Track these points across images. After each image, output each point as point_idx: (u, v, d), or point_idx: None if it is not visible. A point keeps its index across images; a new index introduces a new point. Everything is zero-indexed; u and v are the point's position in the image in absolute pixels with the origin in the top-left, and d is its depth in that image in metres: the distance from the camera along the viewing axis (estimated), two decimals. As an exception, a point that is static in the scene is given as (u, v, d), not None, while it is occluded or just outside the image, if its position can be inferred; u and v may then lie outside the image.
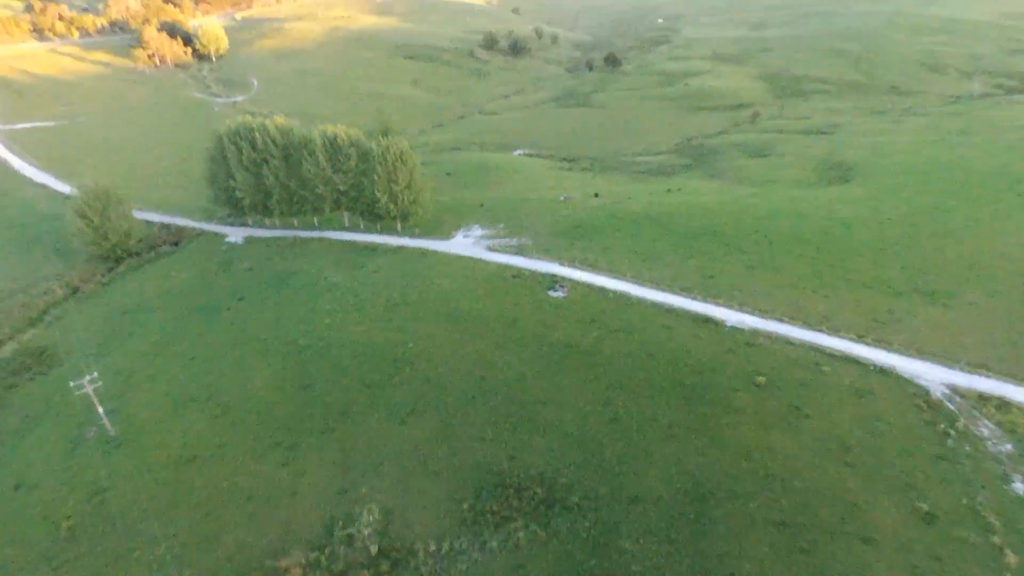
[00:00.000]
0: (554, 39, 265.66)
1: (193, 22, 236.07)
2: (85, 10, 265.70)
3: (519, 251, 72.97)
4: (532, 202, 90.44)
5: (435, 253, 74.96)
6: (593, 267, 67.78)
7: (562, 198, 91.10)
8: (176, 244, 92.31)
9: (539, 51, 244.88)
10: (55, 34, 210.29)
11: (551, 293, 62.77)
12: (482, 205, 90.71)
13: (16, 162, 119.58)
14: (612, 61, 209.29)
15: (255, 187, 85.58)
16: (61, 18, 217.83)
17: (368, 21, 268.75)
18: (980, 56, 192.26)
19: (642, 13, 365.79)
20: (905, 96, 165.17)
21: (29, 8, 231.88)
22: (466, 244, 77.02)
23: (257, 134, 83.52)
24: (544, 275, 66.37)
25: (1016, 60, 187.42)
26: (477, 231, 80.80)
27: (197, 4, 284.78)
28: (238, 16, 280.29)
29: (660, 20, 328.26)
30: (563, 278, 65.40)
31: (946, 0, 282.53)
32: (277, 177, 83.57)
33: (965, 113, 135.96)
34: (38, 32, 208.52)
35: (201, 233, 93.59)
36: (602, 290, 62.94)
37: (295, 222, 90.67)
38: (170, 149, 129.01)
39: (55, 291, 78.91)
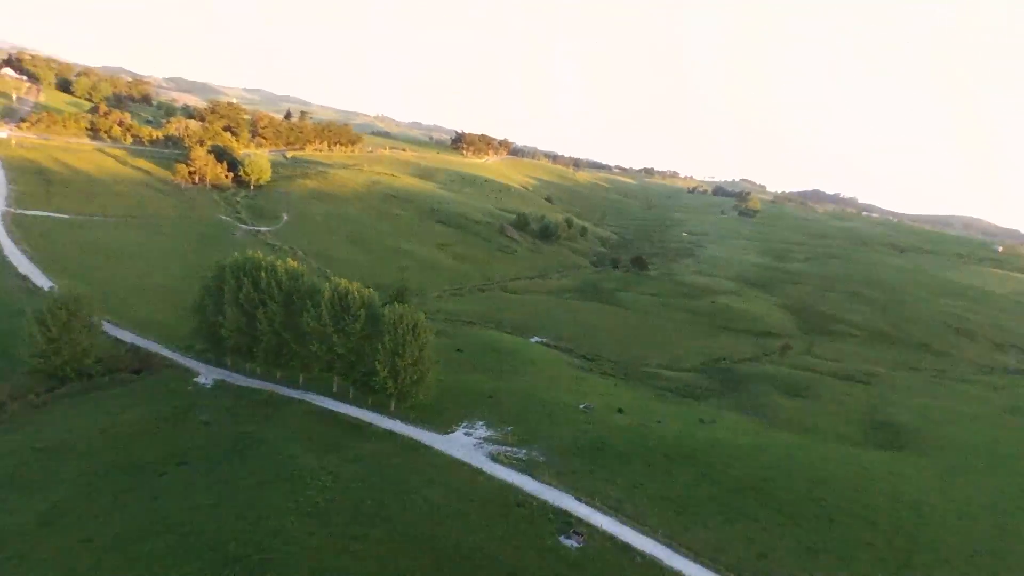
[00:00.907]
0: (583, 231, 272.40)
1: (245, 152, 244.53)
2: (149, 122, 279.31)
3: (528, 468, 60.36)
4: (548, 404, 79.49)
5: (428, 450, 62.48)
6: (617, 510, 54.75)
7: (582, 406, 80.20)
8: (138, 372, 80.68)
9: (567, 239, 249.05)
10: (110, 136, 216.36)
11: (563, 540, 49.36)
12: (491, 396, 79.78)
13: (10, 247, 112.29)
14: (639, 263, 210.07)
15: (244, 329, 75.76)
16: (121, 124, 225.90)
17: (408, 181, 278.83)
18: (1008, 328, 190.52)
19: (667, 224, 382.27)
20: (937, 356, 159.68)
21: (94, 110, 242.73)
22: (466, 445, 64.72)
23: (263, 273, 75.55)
24: (556, 511, 53.26)
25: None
26: (481, 430, 68.88)
27: (254, 138, 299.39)
28: (289, 155, 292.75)
29: (685, 234, 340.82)
30: (579, 520, 52.27)
31: (960, 269, 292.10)
32: (272, 323, 74.01)
33: (1008, 388, 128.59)
34: (94, 131, 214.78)
35: (170, 365, 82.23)
36: (627, 548, 49.52)
37: (278, 374, 79.57)
38: (175, 266, 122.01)
39: (-28, 405, 66.23)
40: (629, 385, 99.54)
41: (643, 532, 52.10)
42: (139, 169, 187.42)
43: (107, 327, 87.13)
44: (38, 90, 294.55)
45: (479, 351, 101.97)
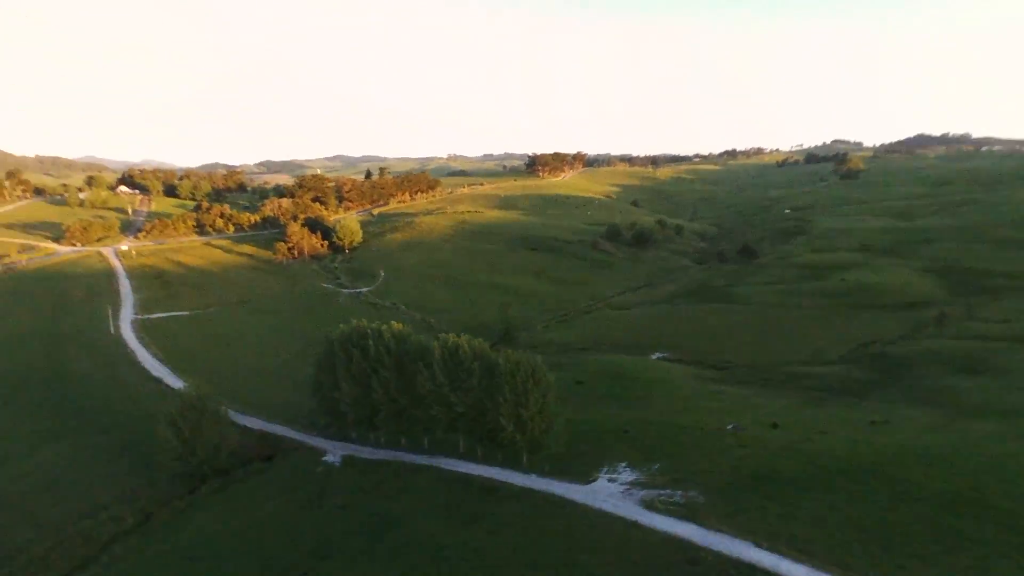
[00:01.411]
0: (678, 230, 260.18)
1: (335, 218, 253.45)
2: (246, 208, 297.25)
3: (689, 514, 53.25)
4: (689, 431, 71.82)
5: (573, 507, 56.83)
6: (808, 553, 46.46)
7: (729, 427, 71.85)
8: (270, 459, 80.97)
9: (664, 242, 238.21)
10: (214, 229, 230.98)
11: (756, 605, 41.98)
12: (626, 431, 73.21)
13: (142, 353, 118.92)
14: (747, 252, 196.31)
15: (361, 400, 74.05)
16: (222, 215, 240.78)
17: (492, 215, 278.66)
18: None
19: (765, 204, 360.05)
20: None
21: (198, 207, 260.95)
22: (613, 494, 58.53)
23: (371, 341, 73.69)
24: (736, 564, 45.90)
25: None
26: (625, 474, 62.48)
27: (341, 203, 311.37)
28: (375, 212, 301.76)
29: (787, 211, 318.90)
30: (767, 573, 44.60)
31: None
32: (387, 391, 71.72)
33: None
34: (200, 227, 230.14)
35: (298, 446, 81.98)
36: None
37: (403, 441, 77.06)
38: (289, 343, 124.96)
39: (125, 518, 67.85)
40: (773, 392, 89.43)
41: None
42: (244, 254, 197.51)
43: (235, 416, 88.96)
44: (149, 200, 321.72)
45: (600, 380, 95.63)
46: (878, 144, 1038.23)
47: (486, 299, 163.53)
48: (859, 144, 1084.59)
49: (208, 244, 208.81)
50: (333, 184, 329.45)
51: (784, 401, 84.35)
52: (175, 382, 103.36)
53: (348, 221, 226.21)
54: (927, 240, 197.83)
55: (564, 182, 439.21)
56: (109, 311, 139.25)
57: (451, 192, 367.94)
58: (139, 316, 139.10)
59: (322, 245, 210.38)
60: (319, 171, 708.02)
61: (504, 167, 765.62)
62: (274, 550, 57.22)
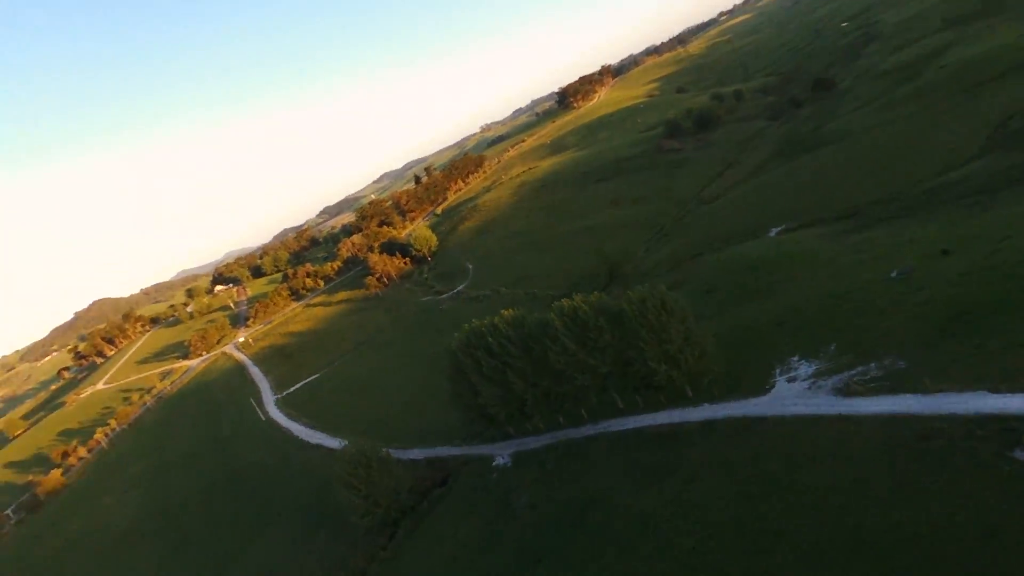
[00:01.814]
0: (738, 97, 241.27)
1: (406, 233, 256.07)
2: (326, 258, 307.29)
3: (896, 384, 46.96)
4: (851, 295, 64.37)
5: (762, 424, 51.95)
6: (1059, 379, 39.33)
7: (894, 274, 63.67)
8: (444, 482, 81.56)
9: (728, 116, 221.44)
10: (306, 290, 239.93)
11: (1020, 455, 35.65)
12: (780, 324, 66.90)
13: (295, 428, 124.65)
14: (823, 85, 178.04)
15: (505, 397, 72.29)
16: (308, 274, 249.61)
17: (547, 164, 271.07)
18: None
19: (818, 29, 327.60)
20: None
21: (285, 276, 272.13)
22: (800, 393, 53.05)
23: (490, 338, 71.46)
24: (977, 420, 39.53)
25: None
26: (803, 367, 56.61)
27: (405, 216, 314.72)
28: (439, 211, 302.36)
29: (843, 24, 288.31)
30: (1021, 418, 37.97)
31: None
32: (525, 380, 69.45)
33: None
34: (294, 293, 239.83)
35: (466, 461, 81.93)
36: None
37: (560, 419, 74.81)
38: (416, 365, 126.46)
39: (344, 584, 70.49)
40: (921, 219, 79.12)
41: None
42: (342, 301, 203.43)
43: (398, 454, 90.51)
44: (244, 288, 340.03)
45: (729, 280, 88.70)
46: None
47: (578, 247, 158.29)
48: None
49: (308, 306, 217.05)
50: (390, 202, 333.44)
51: (940, 222, 74.25)
52: (333, 443, 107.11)
53: (419, 231, 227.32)
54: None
55: (602, 102, 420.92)
56: (252, 401, 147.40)
57: (499, 161, 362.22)
58: (279, 395, 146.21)
59: (405, 263, 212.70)
60: (373, 196, 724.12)
61: (537, 114, 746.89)
62: (495, 567, 56.66)
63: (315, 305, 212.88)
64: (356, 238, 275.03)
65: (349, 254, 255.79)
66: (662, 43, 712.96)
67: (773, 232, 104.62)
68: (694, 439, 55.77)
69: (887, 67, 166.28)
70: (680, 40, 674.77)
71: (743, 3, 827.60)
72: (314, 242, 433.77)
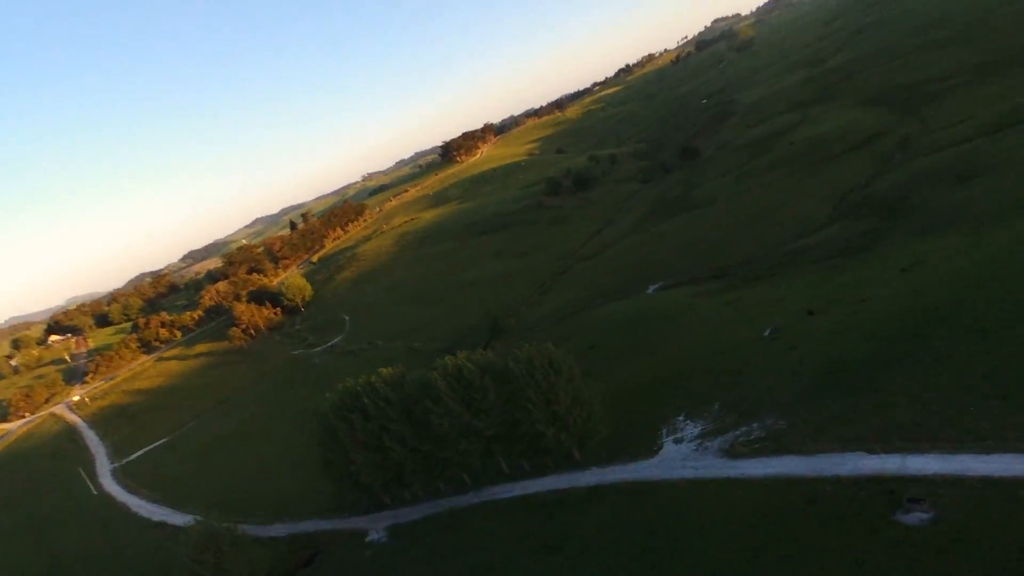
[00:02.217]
0: (612, 160, 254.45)
1: (278, 281, 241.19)
2: (186, 306, 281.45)
3: (779, 445, 47.17)
4: (728, 355, 65.89)
5: (652, 490, 50.21)
6: (928, 439, 40.74)
7: (767, 333, 66.12)
8: (311, 562, 72.71)
9: (604, 176, 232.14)
10: (161, 342, 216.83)
11: (902, 519, 35.94)
12: (665, 381, 67.02)
13: (134, 502, 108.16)
14: (689, 154, 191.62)
15: (381, 464, 66.08)
16: (163, 324, 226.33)
17: (430, 216, 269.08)
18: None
19: (682, 103, 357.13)
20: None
21: (135, 327, 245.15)
22: (688, 456, 52.14)
23: (366, 399, 65.44)
24: (860, 481, 39.84)
25: None
26: (688, 428, 56.14)
27: (278, 264, 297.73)
28: (314, 259, 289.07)
29: (703, 101, 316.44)
30: (903, 479, 38.60)
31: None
32: (404, 444, 63.90)
33: None
34: (145, 346, 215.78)
35: (336, 537, 73.77)
36: (1002, 490, 35.13)
37: (441, 486, 69.43)
38: (282, 427, 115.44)
39: None
40: (786, 278, 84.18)
41: (984, 452, 37.89)
42: (201, 355, 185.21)
43: (256, 530, 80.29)
44: (85, 339, 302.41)
45: (612, 336, 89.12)
46: (755, 8, 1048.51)
47: (460, 300, 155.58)
48: (738, 16, 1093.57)
49: (160, 359, 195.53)
50: (262, 248, 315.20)
51: (802, 283, 79.07)
52: (180, 519, 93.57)
53: (292, 279, 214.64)
54: (847, 76, 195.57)
55: (484, 157, 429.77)
56: (82, 471, 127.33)
57: (380, 210, 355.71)
58: (117, 463, 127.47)
59: (276, 313, 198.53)
60: (244, 241, 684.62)
61: (420, 166, 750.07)
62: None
63: (169, 359, 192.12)
64: (221, 285, 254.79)
65: (212, 303, 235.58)
66: (541, 107, 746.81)
67: (651, 289, 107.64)
68: (584, 506, 52.97)
69: (743, 141, 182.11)
70: (558, 105, 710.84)
71: (614, 75, 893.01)
72: (173, 289, 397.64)
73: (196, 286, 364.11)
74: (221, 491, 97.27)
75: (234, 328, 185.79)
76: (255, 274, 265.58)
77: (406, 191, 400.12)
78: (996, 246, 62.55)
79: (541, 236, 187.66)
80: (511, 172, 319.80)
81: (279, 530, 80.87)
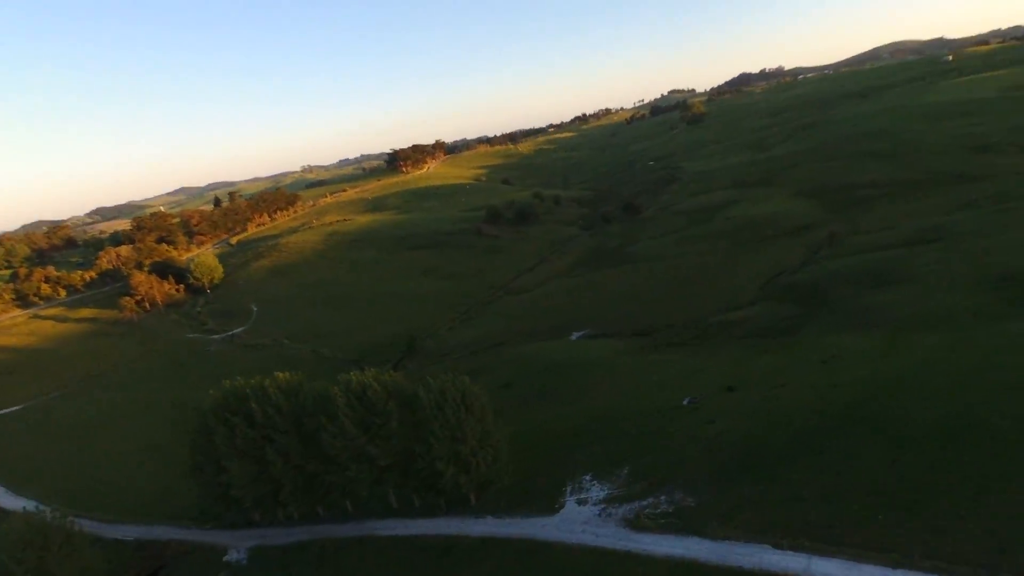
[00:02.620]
0: (556, 200, 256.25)
1: (188, 257, 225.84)
2: (80, 264, 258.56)
3: (685, 524, 44.92)
4: (646, 416, 64.15)
5: (549, 550, 46.82)
6: (835, 542, 39.51)
7: (686, 402, 64.95)
8: (155, 573, 64.45)
9: (545, 215, 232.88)
10: (40, 298, 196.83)
11: (802, 626, 34.08)
12: (577, 435, 64.34)
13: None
14: (631, 209, 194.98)
15: (257, 478, 59.57)
16: (47, 280, 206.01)
17: (363, 220, 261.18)
18: (1022, 128, 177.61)
19: (629, 160, 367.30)
20: (975, 183, 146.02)
21: (14, 276, 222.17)
22: (588, 520, 49.15)
23: (254, 403, 59.05)
24: (763, 577, 38.09)
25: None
26: (595, 489, 53.28)
27: (192, 239, 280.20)
28: (233, 241, 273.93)
29: (651, 162, 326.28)
30: (803, 582, 37.05)
31: (933, 89, 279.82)
32: (288, 460, 57.88)
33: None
34: (21, 299, 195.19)
35: (190, 550, 65.90)
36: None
37: (320, 511, 63.39)
38: (158, 417, 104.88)
39: None
40: (710, 349, 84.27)
41: (891, 562, 36.96)
42: (83, 320, 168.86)
43: (99, 528, 71.08)
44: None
45: (529, 378, 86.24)
46: (709, 88, 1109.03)
47: (378, 312, 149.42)
48: (692, 91, 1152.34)
49: (35, 317, 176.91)
50: (178, 220, 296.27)
51: (725, 357, 79.12)
52: (14, 502, 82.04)
53: (203, 257, 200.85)
54: (789, 166, 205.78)
55: (430, 173, 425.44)
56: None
57: (313, 204, 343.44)
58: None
59: (178, 290, 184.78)
60: (163, 208, 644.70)
61: (364, 169, 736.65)
62: None
63: (45, 318, 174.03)
64: (124, 250, 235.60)
65: (110, 266, 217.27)
66: (495, 136, 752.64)
67: (575, 336, 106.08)
68: (473, 558, 48.87)
69: (684, 207, 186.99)
70: (511, 137, 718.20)
71: (570, 121, 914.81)
72: (70, 244, 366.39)
73: (96, 245, 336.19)
74: (69, 477, 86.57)
75: (127, 298, 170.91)
76: (164, 245, 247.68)
77: (344, 190, 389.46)
78: (910, 355, 64.27)
79: (474, 262, 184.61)
80: (455, 193, 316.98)
81: (127, 532, 71.88)
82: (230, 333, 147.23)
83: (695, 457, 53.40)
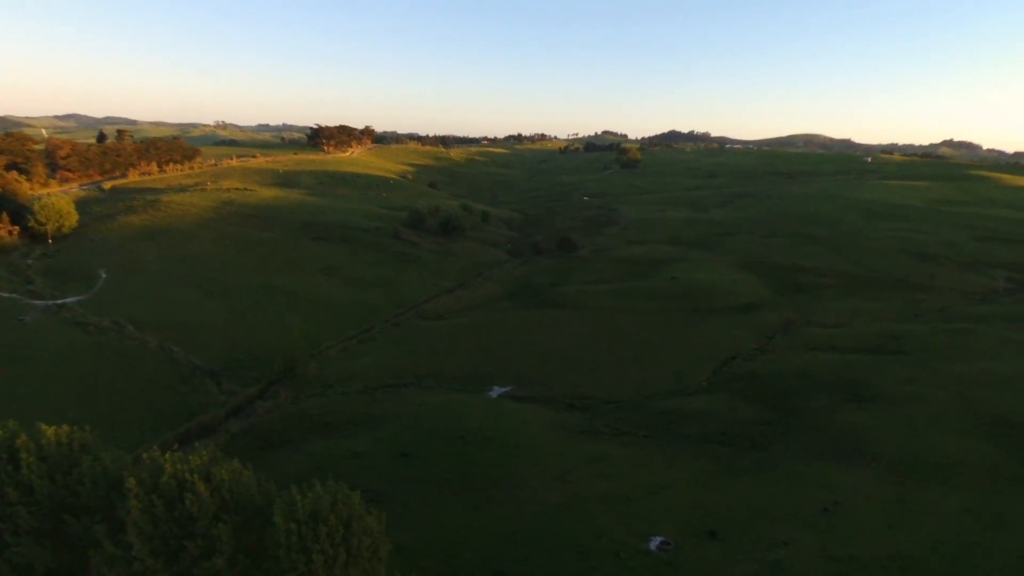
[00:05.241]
0: (485, 217, 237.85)
1: (37, 194, 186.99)
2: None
3: None
4: (597, 557, 46.05)
5: None
6: None
7: (653, 545, 47.42)
8: None
9: (472, 231, 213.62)
10: None
11: None
12: (498, 574, 45.12)
13: None
14: (566, 245, 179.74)
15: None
16: None
17: (267, 194, 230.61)
18: (957, 244, 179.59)
19: (562, 190, 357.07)
20: (917, 291, 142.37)
21: None
22: None
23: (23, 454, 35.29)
24: None
25: (997, 248, 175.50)
26: None
27: (55, 172, 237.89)
28: (106, 186, 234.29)
29: (585, 198, 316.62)
30: None
31: (868, 186, 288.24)
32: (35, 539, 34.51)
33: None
34: None
35: None
36: None
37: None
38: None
39: None
40: (663, 450, 67.75)
41: None
42: None
43: None
44: None
45: (433, 446, 66.00)
46: (641, 137, 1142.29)
47: (259, 309, 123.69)
48: (625, 136, 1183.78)
49: None
50: (43, 146, 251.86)
51: (686, 467, 62.69)
52: None
53: (54, 198, 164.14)
54: (727, 233, 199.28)
55: (353, 158, 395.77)
56: None
57: (215, 164, 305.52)
58: None
59: (10, 232, 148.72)
60: (44, 131, 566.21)
61: (283, 139, 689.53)
62: None
63: None
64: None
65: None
66: (426, 135, 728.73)
67: (495, 392, 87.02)
68: None
69: (621, 255, 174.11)
70: (443, 141, 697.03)
71: (504, 138, 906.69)
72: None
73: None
74: None
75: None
76: (15, 173, 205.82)
77: (255, 156, 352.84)
78: (932, 522, 50.51)
79: (384, 270, 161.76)
80: (377, 185, 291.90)
81: None
82: (59, 301, 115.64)
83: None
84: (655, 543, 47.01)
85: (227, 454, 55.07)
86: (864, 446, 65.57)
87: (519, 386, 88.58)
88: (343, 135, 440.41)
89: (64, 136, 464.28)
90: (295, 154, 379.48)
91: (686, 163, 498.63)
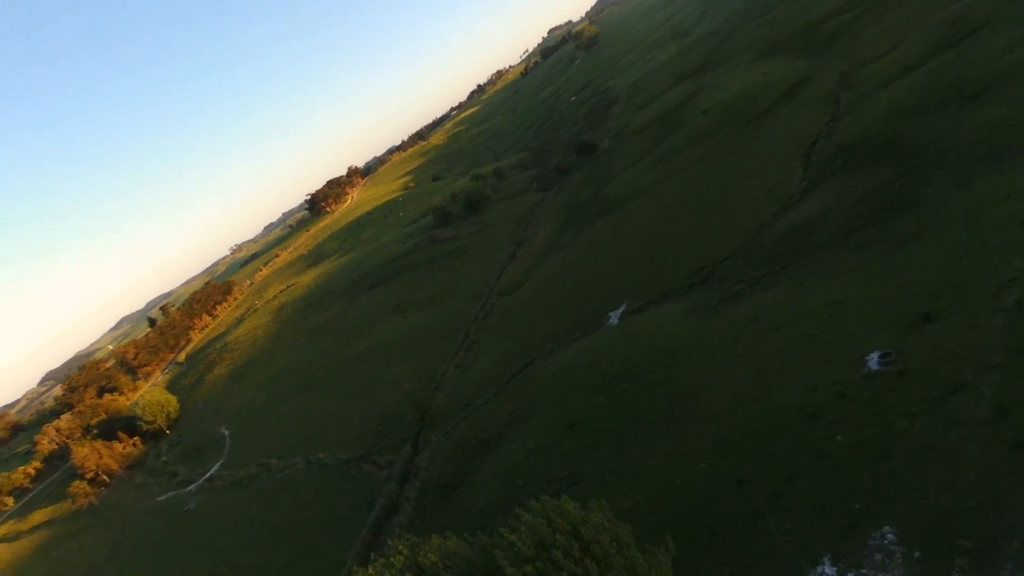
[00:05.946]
0: (499, 174, 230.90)
1: (132, 401, 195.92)
2: (27, 454, 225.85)
3: None
4: (822, 408, 40.94)
5: None
6: None
7: (873, 364, 41.38)
8: None
9: (495, 194, 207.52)
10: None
11: None
12: (742, 483, 40.78)
13: None
14: (585, 149, 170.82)
15: None
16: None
17: (309, 278, 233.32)
18: None
19: (548, 107, 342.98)
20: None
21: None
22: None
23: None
24: None
25: None
26: (861, 595, 29.96)
27: (136, 374, 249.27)
28: (181, 358, 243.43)
29: (572, 98, 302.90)
30: None
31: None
32: None
33: None
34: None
35: None
36: None
37: None
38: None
39: None
40: (810, 269, 61.08)
41: None
42: (39, 528, 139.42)
43: None
44: None
45: (592, 399, 62.10)
46: (582, 14, 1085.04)
47: (366, 377, 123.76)
48: (570, 22, 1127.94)
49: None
50: (113, 361, 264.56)
51: (851, 273, 55.86)
52: None
53: (148, 394, 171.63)
54: (726, 37, 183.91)
55: (356, 202, 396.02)
56: None
57: (251, 283, 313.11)
58: None
59: (134, 444, 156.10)
60: (110, 347, 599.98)
61: (290, 226, 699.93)
62: None
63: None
64: (63, 421, 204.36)
65: (53, 447, 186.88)
66: (403, 140, 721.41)
67: (613, 317, 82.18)
68: None
69: (641, 124, 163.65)
70: (420, 135, 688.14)
71: (468, 98, 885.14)
72: (17, 429, 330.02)
73: (42, 422, 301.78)
74: None
75: (77, 482, 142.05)
76: (108, 395, 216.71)
77: (278, 255, 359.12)
78: None
79: (443, 276, 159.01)
80: (390, 210, 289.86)
81: None
82: (207, 476, 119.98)
83: (981, 476, 30.05)
84: (873, 360, 41.14)
85: (418, 526, 53.17)
86: (1000, 152, 56.54)
87: (630, 299, 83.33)
88: (335, 188, 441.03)
89: (126, 340, 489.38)
90: (307, 231, 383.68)
91: (641, 6, 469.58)
